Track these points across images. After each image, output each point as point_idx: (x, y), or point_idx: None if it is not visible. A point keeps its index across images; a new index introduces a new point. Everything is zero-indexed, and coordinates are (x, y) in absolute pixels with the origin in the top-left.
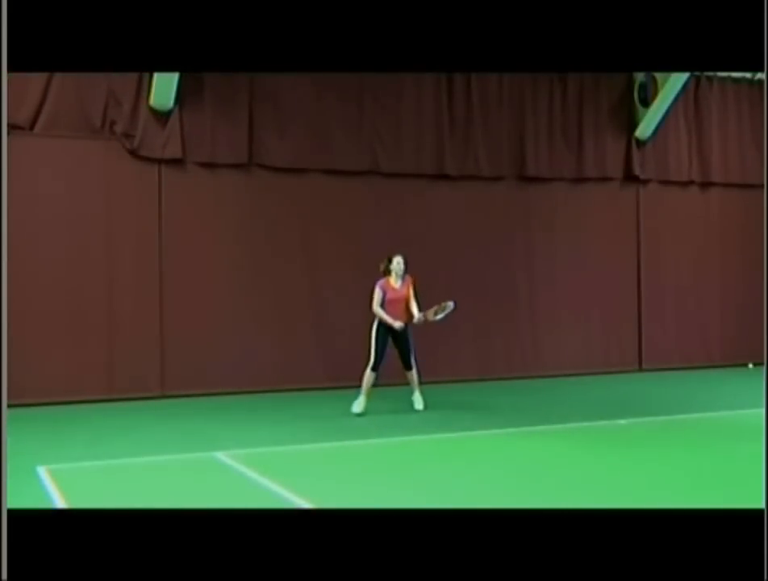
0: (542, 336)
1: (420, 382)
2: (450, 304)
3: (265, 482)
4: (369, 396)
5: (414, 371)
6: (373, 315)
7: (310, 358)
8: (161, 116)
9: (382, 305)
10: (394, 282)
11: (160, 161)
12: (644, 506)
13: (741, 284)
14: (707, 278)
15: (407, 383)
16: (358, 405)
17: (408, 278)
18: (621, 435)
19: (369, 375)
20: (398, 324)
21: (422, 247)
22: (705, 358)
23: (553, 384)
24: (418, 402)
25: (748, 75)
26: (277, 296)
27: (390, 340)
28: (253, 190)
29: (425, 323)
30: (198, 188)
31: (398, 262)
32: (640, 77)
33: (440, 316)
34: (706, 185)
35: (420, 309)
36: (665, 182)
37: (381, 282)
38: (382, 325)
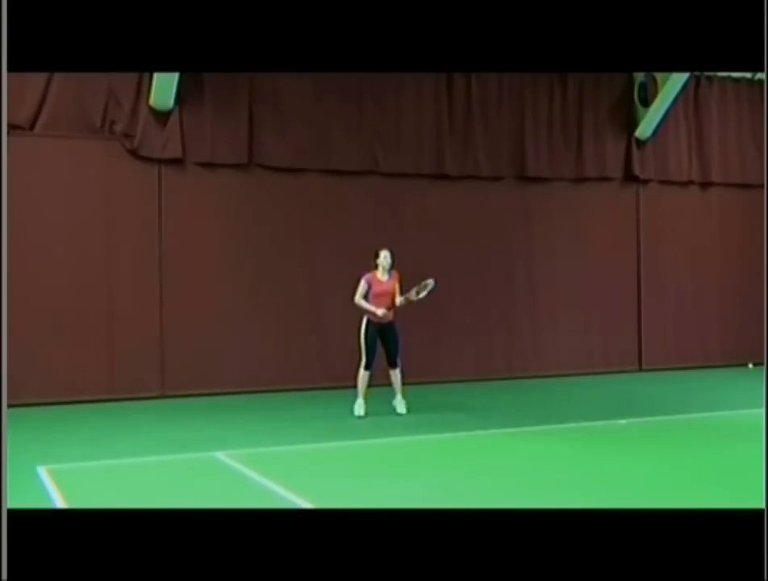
0: (542, 336)
1: (404, 383)
2: (430, 281)
3: (264, 482)
4: (366, 397)
5: (398, 370)
6: (361, 313)
7: (310, 358)
8: (161, 116)
9: (366, 298)
10: (381, 275)
11: (160, 161)
12: (644, 506)
13: (741, 284)
14: (707, 278)
15: (406, 383)
16: (359, 407)
17: (395, 273)
18: (621, 435)
19: (363, 375)
20: (381, 311)
21: (421, 247)
22: (705, 358)
23: (552, 384)
24: (400, 405)
25: (748, 75)
26: (277, 296)
27: (378, 337)
28: (253, 190)
29: (408, 303)
30: (198, 188)
31: (384, 256)
32: (640, 77)
33: (422, 295)
34: (706, 185)
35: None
36: (665, 182)
37: (367, 275)
38: (370, 323)
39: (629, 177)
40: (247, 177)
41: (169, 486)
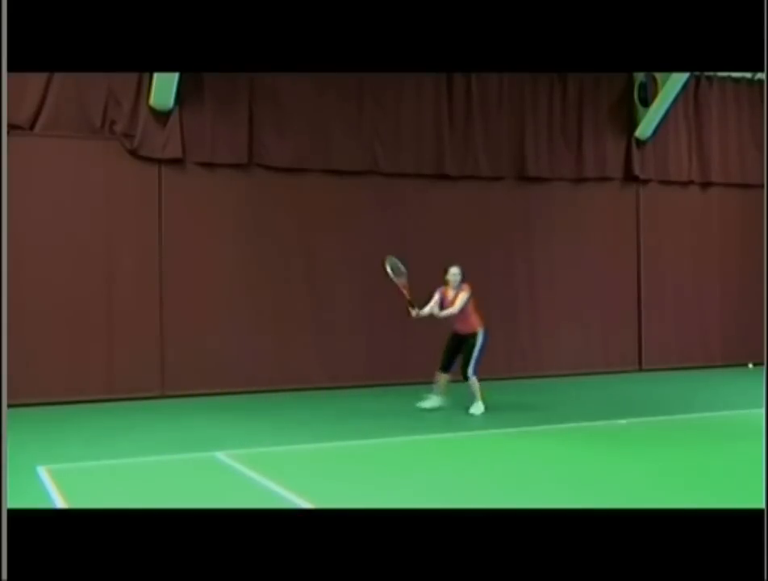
0: (542, 336)
1: (477, 392)
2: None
3: (264, 482)
4: (442, 394)
5: (469, 383)
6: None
7: (310, 358)
8: (161, 116)
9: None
10: (449, 291)
11: (160, 161)
12: (644, 506)
13: (741, 284)
14: (707, 278)
15: (406, 383)
16: (428, 401)
17: (464, 286)
18: (621, 435)
19: (437, 375)
20: (445, 313)
21: (422, 247)
22: (705, 358)
23: (552, 384)
24: (473, 407)
25: (748, 75)
26: (277, 296)
27: (456, 346)
28: (253, 190)
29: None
30: (198, 188)
31: (453, 273)
32: (640, 77)
33: (394, 272)
34: (706, 185)
35: (442, 308)
36: (665, 182)
37: (440, 288)
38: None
39: (629, 177)
40: (247, 177)
41: (169, 486)
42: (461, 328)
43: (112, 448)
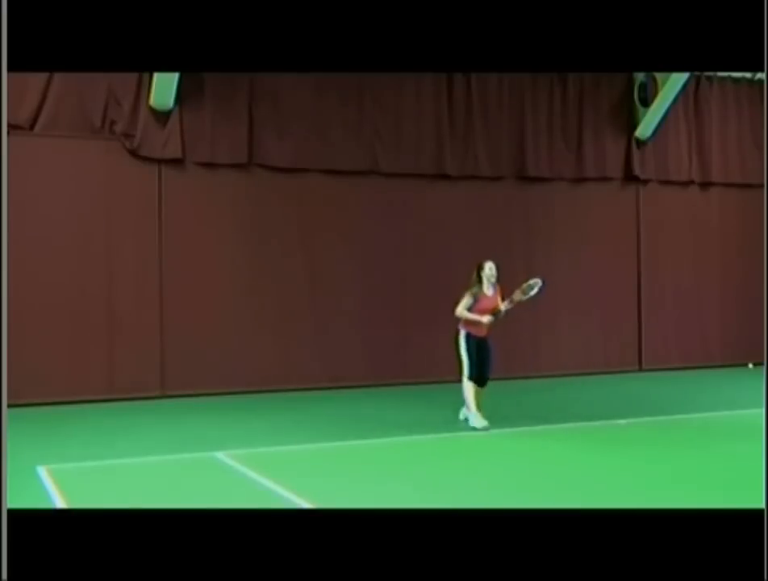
0: (542, 337)
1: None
2: (538, 281)
3: (264, 482)
4: (480, 408)
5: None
6: (456, 324)
7: (310, 358)
8: (161, 116)
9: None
10: (486, 289)
11: (160, 161)
12: (644, 506)
13: (741, 284)
14: (707, 278)
15: (406, 383)
16: (480, 420)
17: (498, 287)
18: (621, 435)
19: (470, 386)
20: (486, 318)
21: (422, 247)
22: (705, 358)
23: (552, 384)
24: (474, 419)
25: (748, 75)
26: (277, 296)
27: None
28: (253, 190)
29: (512, 306)
30: (198, 188)
31: (489, 268)
32: (640, 77)
33: (532, 293)
34: (706, 185)
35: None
36: (665, 182)
37: (473, 290)
38: (470, 336)
39: (629, 177)
40: (247, 177)
41: (169, 486)
42: (489, 331)
43: (112, 448)
